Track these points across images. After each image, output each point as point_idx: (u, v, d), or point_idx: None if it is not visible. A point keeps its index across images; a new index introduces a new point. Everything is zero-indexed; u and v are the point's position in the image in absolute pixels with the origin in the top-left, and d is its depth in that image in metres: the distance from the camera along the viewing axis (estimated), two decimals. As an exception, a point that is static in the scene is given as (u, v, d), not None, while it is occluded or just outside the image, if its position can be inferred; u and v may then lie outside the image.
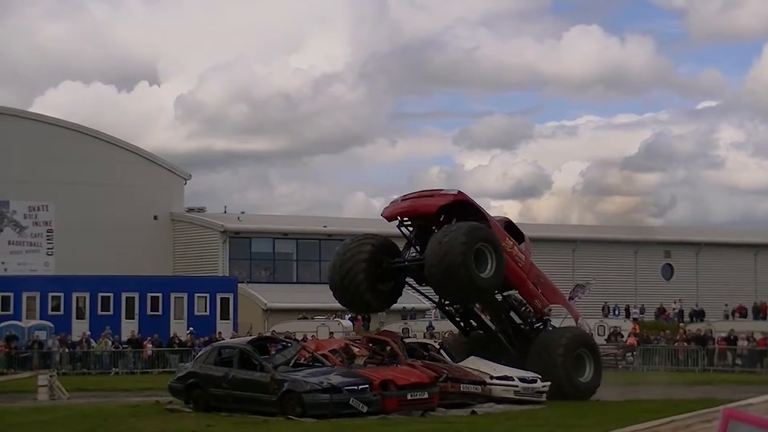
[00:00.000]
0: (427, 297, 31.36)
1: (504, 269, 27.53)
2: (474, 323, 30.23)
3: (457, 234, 26.52)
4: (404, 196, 28.85)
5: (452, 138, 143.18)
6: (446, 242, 26.41)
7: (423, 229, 28.33)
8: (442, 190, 28.72)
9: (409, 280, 29.12)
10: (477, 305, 29.85)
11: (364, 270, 27.88)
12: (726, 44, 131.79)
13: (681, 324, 58.30)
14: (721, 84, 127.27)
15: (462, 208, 27.98)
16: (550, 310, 30.02)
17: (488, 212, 29.04)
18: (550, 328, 30.02)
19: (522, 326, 29.80)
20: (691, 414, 7.38)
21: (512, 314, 29.79)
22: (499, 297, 29.50)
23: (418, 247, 28.47)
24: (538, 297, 29.51)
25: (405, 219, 28.63)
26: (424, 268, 27.32)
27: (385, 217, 28.90)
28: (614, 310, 67.38)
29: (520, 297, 29.86)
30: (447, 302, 29.92)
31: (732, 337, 48.65)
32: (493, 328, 29.65)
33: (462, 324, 30.42)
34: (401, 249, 28.84)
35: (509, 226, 30.11)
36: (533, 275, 29.62)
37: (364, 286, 27.91)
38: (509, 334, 29.56)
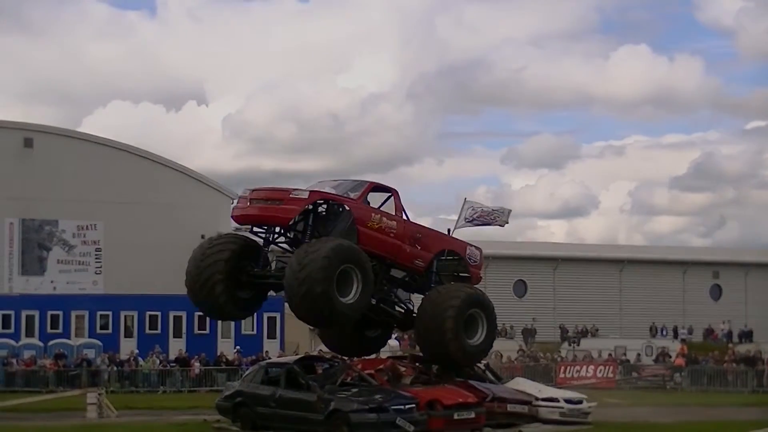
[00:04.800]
0: None
1: (371, 290, 25.26)
2: None
3: (317, 257, 23.90)
4: (253, 191, 25.52)
5: (499, 157, 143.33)
6: (304, 269, 23.87)
7: (281, 232, 25.76)
8: (291, 192, 25.06)
9: None
10: None
11: (223, 272, 25.68)
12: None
13: (729, 345, 57.85)
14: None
15: (320, 203, 25.52)
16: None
17: (349, 196, 26.01)
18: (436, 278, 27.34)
19: (406, 279, 27.62)
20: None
21: (393, 272, 27.36)
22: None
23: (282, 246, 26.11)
24: (418, 256, 27.01)
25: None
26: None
27: (234, 220, 26.07)
28: (662, 331, 67.00)
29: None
30: None
31: (781, 358, 48.22)
32: (373, 301, 26.72)
33: None
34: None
35: (376, 190, 27.16)
36: (408, 235, 26.84)
37: (220, 289, 25.71)
38: (392, 301, 27.62)
